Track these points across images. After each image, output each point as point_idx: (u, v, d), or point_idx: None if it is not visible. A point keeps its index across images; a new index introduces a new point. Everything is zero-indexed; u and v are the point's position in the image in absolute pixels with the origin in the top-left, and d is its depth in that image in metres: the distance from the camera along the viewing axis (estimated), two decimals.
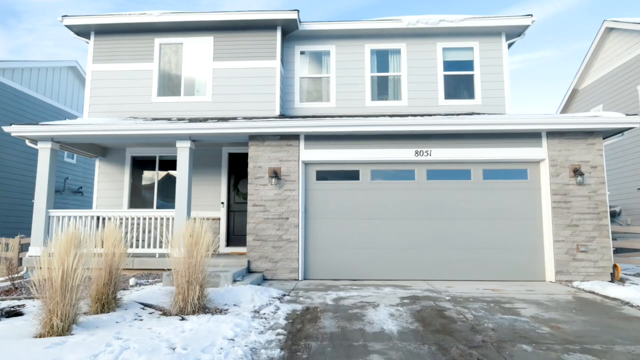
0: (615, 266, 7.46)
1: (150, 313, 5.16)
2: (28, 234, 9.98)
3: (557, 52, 55.33)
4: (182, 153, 7.97)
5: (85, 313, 4.94)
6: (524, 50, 54.55)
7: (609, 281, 7.21)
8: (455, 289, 6.70)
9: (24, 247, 9.68)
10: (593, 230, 7.40)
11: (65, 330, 4.25)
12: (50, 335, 4.19)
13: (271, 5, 66.88)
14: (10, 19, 59.18)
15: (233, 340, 4.04)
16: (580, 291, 6.56)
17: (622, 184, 14.03)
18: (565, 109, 18.06)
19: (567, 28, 57.11)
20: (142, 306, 5.45)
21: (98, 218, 8.09)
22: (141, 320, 4.83)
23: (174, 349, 3.76)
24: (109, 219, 7.69)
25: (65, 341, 3.96)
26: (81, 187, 15.70)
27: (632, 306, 5.52)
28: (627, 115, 7.29)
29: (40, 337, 4.20)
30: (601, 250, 7.34)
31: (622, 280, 7.47)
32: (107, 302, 5.17)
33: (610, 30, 14.76)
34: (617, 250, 10.72)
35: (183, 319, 4.80)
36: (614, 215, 14.03)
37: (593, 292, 6.40)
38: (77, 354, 3.58)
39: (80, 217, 8.05)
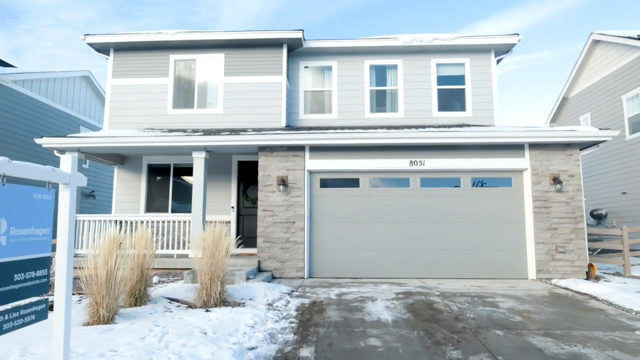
0: (590, 265, 8.24)
1: (177, 306, 5.92)
2: None
3: (555, 54, 56.23)
4: (198, 162, 8.74)
5: (121, 306, 5.70)
6: (522, 52, 55.46)
7: (585, 279, 7.98)
8: (445, 285, 7.48)
9: None
10: (570, 233, 8.17)
11: (109, 320, 5.02)
12: (97, 324, 4.95)
13: (270, 7, 67.55)
14: (9, 19, 59.88)
15: (253, 327, 4.81)
16: (556, 287, 7.34)
17: (608, 188, 14.83)
18: (556, 116, 18.87)
19: (565, 29, 57.98)
20: (169, 300, 6.22)
21: (121, 222, 8.84)
22: (171, 312, 5.60)
23: (205, 333, 4.52)
24: (141, 222, 8.46)
25: (112, 328, 4.73)
26: (93, 191, 16.45)
27: (597, 300, 6.30)
28: (600, 129, 8.07)
29: (89, 325, 4.96)
30: (577, 251, 8.12)
31: (597, 278, 8.24)
32: (139, 297, 5.94)
33: (597, 42, 15.56)
34: (603, 251, 11.49)
35: (208, 310, 5.57)
36: (600, 217, 14.82)
37: (567, 289, 7.18)
38: (127, 337, 4.35)
39: (104, 221, 8.81)
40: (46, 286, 2.78)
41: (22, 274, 2.55)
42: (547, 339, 4.40)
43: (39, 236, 2.67)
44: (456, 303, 6.03)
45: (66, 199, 2.90)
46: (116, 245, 5.33)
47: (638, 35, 13.88)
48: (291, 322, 5.03)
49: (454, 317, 5.27)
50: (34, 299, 2.67)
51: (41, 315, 2.75)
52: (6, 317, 2.47)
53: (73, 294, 6.82)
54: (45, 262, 2.75)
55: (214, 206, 10.22)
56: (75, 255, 8.56)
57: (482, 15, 60.94)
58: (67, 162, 2.90)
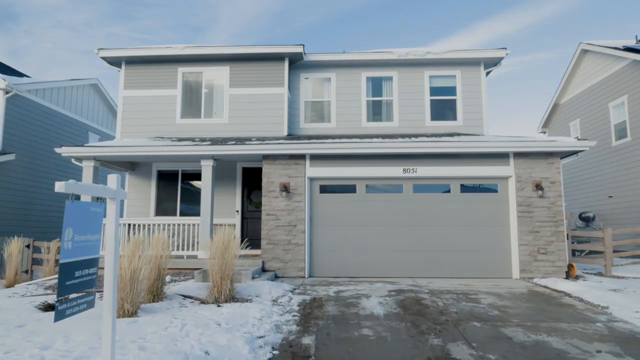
0: (570, 265, 8.89)
1: (191, 302, 6.56)
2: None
3: (553, 55, 56.96)
4: (206, 170, 9.39)
5: (141, 302, 6.33)
6: (520, 52, 56.17)
7: (564, 278, 8.62)
8: (435, 284, 8.12)
9: (59, 250, 11.11)
10: (551, 236, 8.83)
11: (133, 314, 5.67)
12: (123, 317, 5.59)
13: (269, 8, 67.97)
14: (8, 21, 60.45)
15: (261, 319, 5.45)
16: (536, 286, 7.99)
17: (596, 192, 15.49)
18: (547, 121, 19.54)
19: (563, 31, 58.70)
20: (183, 297, 6.86)
21: (134, 225, 9.47)
22: (186, 307, 6.24)
23: (219, 324, 5.17)
24: (152, 225, 9.11)
25: (137, 320, 5.37)
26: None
27: (570, 296, 6.94)
28: (578, 140, 8.73)
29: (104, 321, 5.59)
30: (558, 252, 8.77)
31: (577, 277, 8.89)
32: (157, 294, 6.58)
33: (585, 51, 16.24)
34: (590, 252, 12.12)
35: (219, 306, 6.21)
36: (588, 220, 15.45)
37: (546, 287, 7.83)
38: (152, 327, 4.99)
39: (118, 224, 9.42)
40: (95, 281, 3.42)
41: (80, 271, 3.20)
42: (518, 329, 5.05)
43: (92, 241, 3.32)
44: (442, 299, 6.68)
45: (112, 210, 3.54)
46: (138, 247, 5.98)
47: (623, 46, 14.56)
48: (294, 316, 5.67)
49: (439, 312, 5.91)
50: (86, 291, 3.31)
51: (90, 305, 3.39)
52: (69, 305, 3.11)
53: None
54: (96, 262, 3.40)
55: (220, 210, 10.85)
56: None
57: (481, 15, 61.59)
58: (113, 181, 3.53)
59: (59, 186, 2.86)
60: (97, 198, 3.57)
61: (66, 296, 3.10)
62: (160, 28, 72.81)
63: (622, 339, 4.74)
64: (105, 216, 3.55)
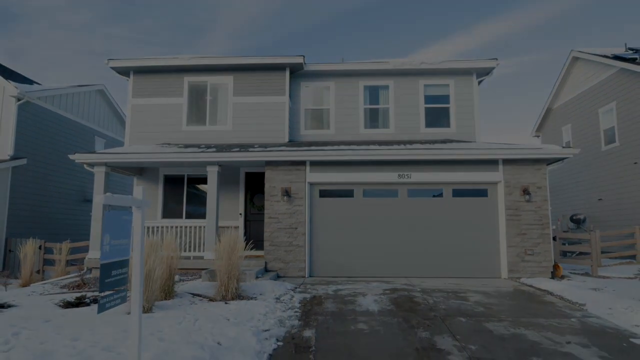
0: (556, 266, 9.42)
1: (200, 300, 7.08)
2: (73, 239, 12.02)
3: (552, 55, 57.56)
4: (211, 175, 9.91)
5: (155, 299, 6.84)
6: (519, 53, 56.82)
7: (550, 278, 9.15)
8: (427, 283, 8.65)
9: (70, 251, 11.65)
10: (538, 238, 9.36)
11: (148, 310, 6.17)
12: None
13: (267, 9, 68.24)
14: (8, 22, 60.85)
15: (265, 315, 5.96)
16: (522, 285, 8.52)
17: (586, 195, 16.03)
18: (541, 126, 20.10)
19: (561, 31, 59.27)
20: (192, 295, 7.37)
21: (145, 228, 9.97)
22: (196, 304, 6.75)
23: (228, 319, 5.68)
24: (160, 228, 9.62)
25: (152, 316, 5.88)
26: None
27: (552, 295, 7.47)
28: (563, 147, 9.27)
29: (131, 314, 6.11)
30: (544, 253, 9.30)
31: (562, 277, 9.41)
32: (168, 292, 7.09)
33: (576, 59, 16.79)
34: (580, 254, 12.65)
35: (226, 303, 6.73)
36: (579, 222, 15.99)
37: (531, 286, 8.36)
38: (167, 322, 5.51)
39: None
40: (126, 280, 3.94)
41: (115, 270, 3.71)
42: (499, 324, 5.58)
43: (124, 244, 3.83)
44: (433, 297, 7.21)
45: (139, 217, 4.06)
46: (153, 249, 6.50)
47: (612, 55, 15.12)
48: (296, 312, 6.20)
49: (429, 308, 6.44)
50: (120, 288, 3.83)
51: (123, 300, 3.90)
52: (107, 299, 3.63)
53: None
54: (127, 263, 3.91)
55: (224, 213, 11.36)
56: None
57: (479, 16, 62.09)
58: (139, 192, 4.05)
59: (99, 198, 3.37)
60: (108, 205, 4.08)
61: (103, 293, 3.61)
62: (160, 29, 73.28)
63: (592, 332, 5.26)
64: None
